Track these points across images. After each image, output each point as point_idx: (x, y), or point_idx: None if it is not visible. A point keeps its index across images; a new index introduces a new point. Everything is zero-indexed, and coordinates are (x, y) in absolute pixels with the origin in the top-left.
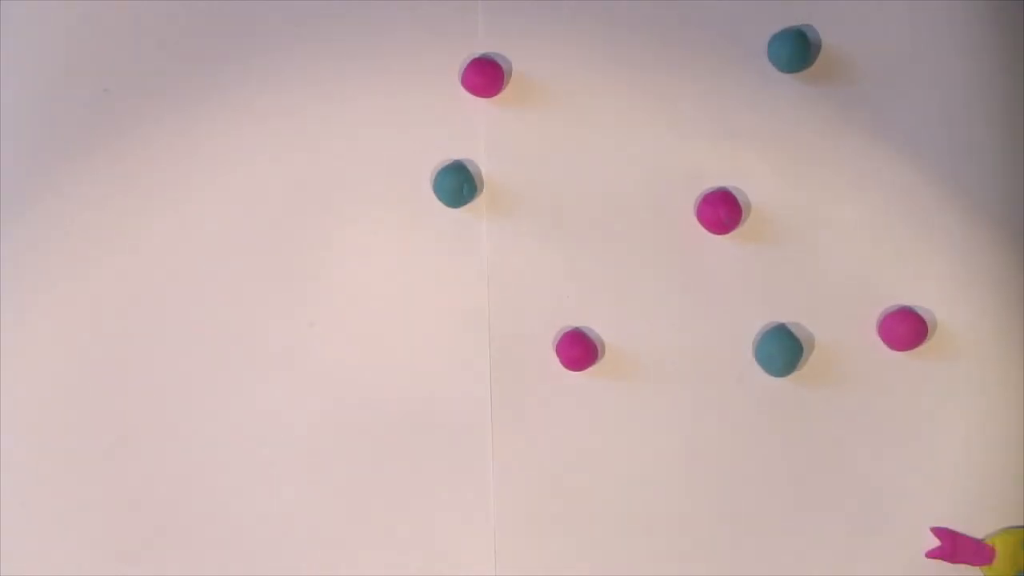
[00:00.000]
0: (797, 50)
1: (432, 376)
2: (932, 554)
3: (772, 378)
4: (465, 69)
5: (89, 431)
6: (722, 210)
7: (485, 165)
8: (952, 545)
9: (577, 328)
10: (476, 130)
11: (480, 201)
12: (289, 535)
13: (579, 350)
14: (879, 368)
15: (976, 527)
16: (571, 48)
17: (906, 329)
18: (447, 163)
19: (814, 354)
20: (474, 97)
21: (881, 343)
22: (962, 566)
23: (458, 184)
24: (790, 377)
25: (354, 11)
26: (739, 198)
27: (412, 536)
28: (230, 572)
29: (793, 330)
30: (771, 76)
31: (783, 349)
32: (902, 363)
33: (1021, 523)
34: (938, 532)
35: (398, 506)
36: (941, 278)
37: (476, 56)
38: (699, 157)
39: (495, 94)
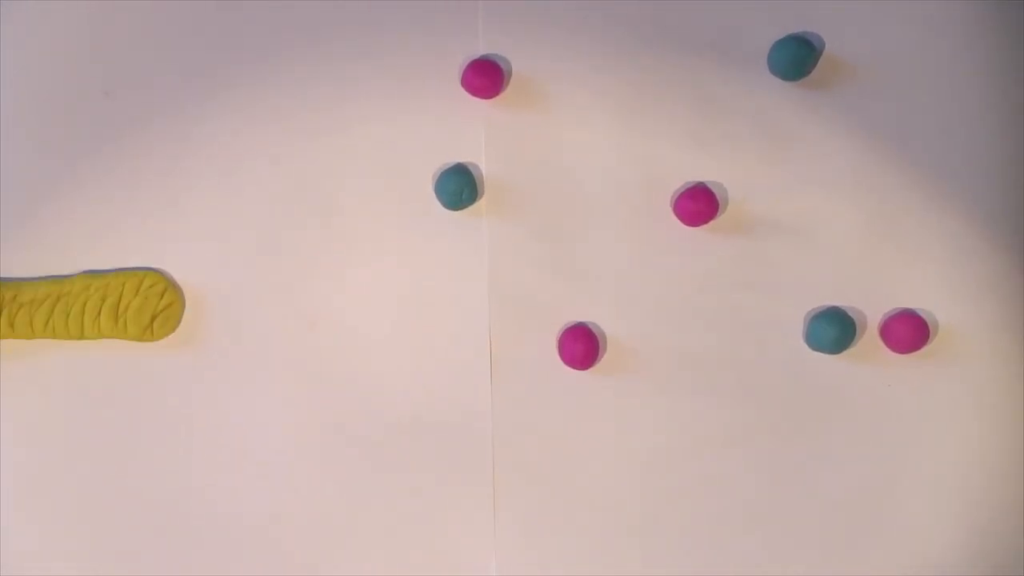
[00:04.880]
0: (797, 58)
1: (432, 376)
2: None
3: (773, 378)
4: (465, 70)
5: (89, 431)
6: (702, 202)
7: (485, 166)
8: None
9: (578, 326)
10: (476, 131)
11: (480, 202)
12: (289, 535)
13: (581, 348)
14: (881, 370)
15: (977, 527)
16: (571, 49)
17: (908, 332)
18: (449, 166)
19: (815, 356)
20: (474, 98)
21: (883, 345)
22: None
23: (458, 188)
24: (791, 378)
25: (354, 12)
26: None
27: (412, 536)
28: (230, 572)
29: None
30: (770, 81)
31: (835, 327)
32: (904, 365)
33: (1023, 525)
34: None
35: (398, 506)
36: (942, 280)
37: (476, 57)
38: (699, 160)
39: (495, 95)
